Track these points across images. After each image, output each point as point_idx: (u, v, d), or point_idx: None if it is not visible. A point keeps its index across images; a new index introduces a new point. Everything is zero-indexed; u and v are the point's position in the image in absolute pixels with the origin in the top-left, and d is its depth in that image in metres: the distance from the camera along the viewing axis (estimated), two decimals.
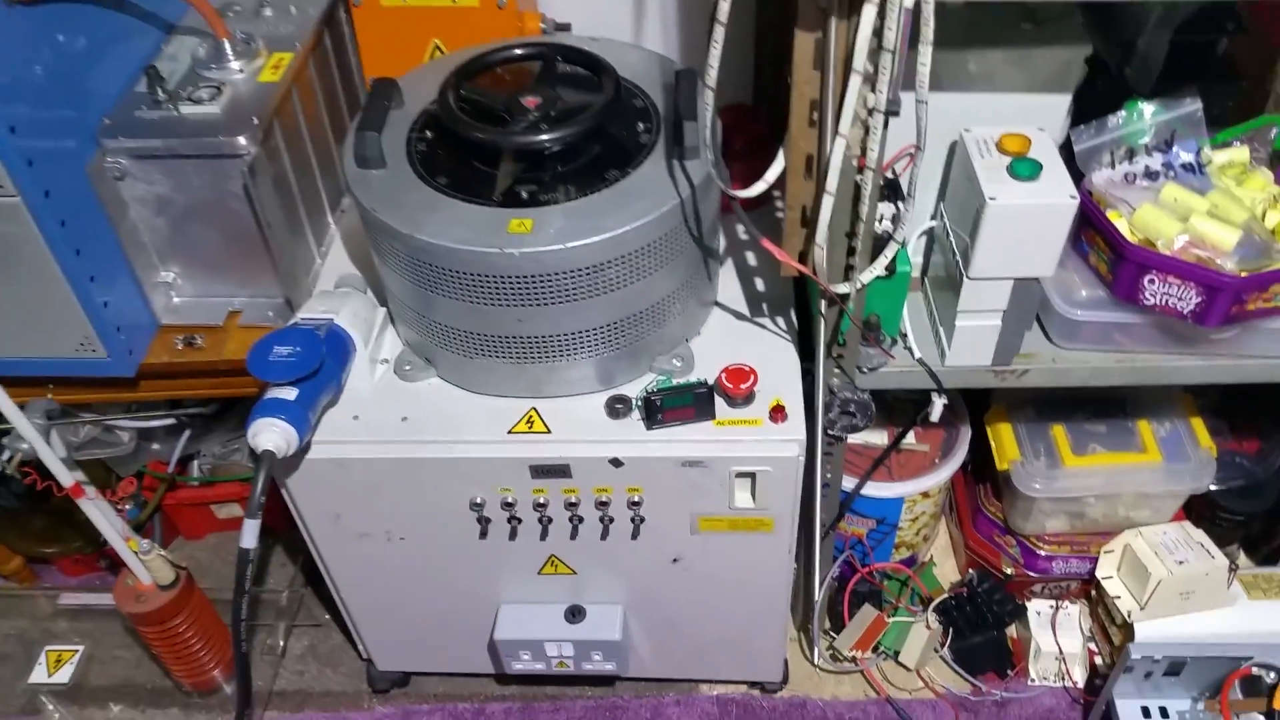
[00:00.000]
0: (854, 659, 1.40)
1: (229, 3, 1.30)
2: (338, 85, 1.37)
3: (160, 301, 1.22)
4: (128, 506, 1.52)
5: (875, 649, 1.40)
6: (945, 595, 1.42)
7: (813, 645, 1.42)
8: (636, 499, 1.10)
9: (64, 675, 1.44)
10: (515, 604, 1.26)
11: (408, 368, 1.14)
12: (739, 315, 1.19)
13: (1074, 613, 1.42)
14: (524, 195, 1.02)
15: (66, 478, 1.11)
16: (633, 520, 1.13)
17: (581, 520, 1.13)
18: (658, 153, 1.06)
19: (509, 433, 1.08)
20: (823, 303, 1.03)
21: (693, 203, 1.03)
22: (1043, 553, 1.41)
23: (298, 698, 1.45)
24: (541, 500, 1.11)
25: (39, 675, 1.46)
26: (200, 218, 1.14)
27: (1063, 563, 1.42)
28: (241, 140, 1.08)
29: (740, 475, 1.07)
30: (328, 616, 1.54)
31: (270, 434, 0.97)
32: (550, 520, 1.13)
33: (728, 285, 1.22)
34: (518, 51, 1.17)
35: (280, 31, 1.25)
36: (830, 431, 1.13)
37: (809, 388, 1.11)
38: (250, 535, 0.96)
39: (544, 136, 1.03)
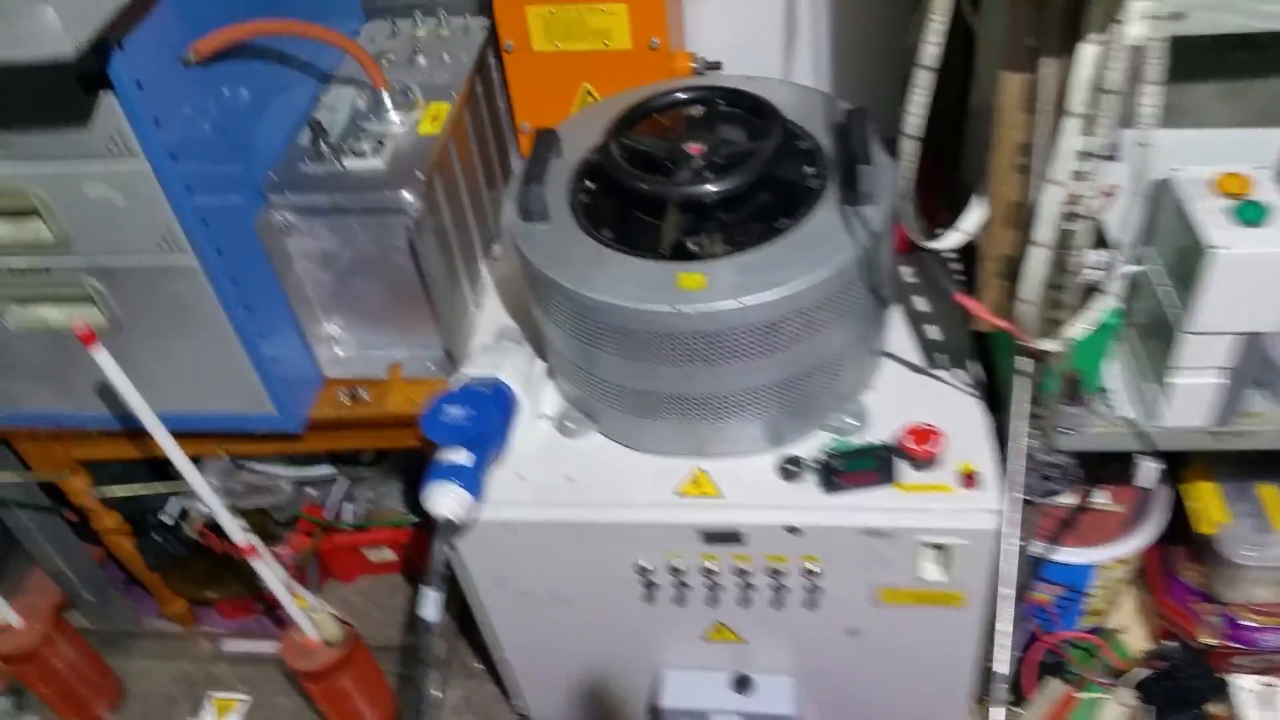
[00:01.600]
0: None
1: (382, 50, 1.30)
2: (489, 132, 1.36)
3: (325, 355, 1.22)
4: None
5: None
6: (1138, 667, 1.30)
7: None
8: (814, 568, 1.04)
9: None
10: (679, 670, 1.20)
11: (570, 425, 1.10)
12: (913, 367, 1.12)
13: None
14: (692, 248, 0.98)
15: (242, 539, 1.11)
16: (808, 589, 1.07)
17: (754, 588, 1.08)
18: (829, 199, 1.00)
19: (677, 494, 1.03)
20: (1018, 359, 0.94)
21: (871, 252, 0.96)
22: (1249, 624, 1.28)
23: None
24: (711, 567, 1.06)
25: None
26: (364, 271, 1.14)
27: (1274, 635, 1.28)
28: (406, 195, 1.07)
29: (928, 546, 1.00)
30: (480, 666, 1.51)
31: (448, 500, 0.95)
32: (720, 587, 1.08)
33: (898, 333, 1.15)
34: (680, 96, 1.13)
35: (435, 80, 1.25)
36: (1026, 498, 1.04)
37: (999, 449, 1.02)
38: (433, 608, 0.94)
39: (712, 186, 0.98)
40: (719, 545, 1.04)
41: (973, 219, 0.86)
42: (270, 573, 1.14)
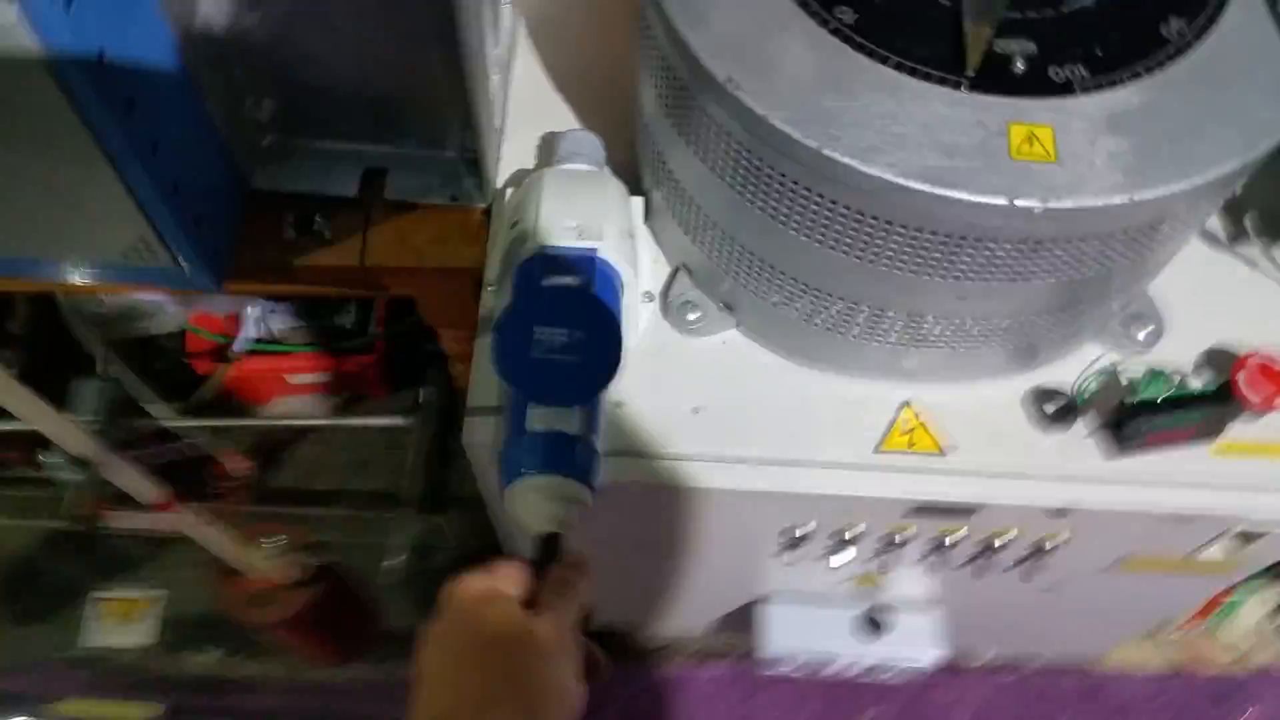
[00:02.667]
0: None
1: None
2: None
3: (253, 156, 0.72)
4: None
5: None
6: None
7: None
8: (1052, 545, 0.70)
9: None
10: (783, 603, 0.88)
11: (691, 316, 0.68)
12: (1212, 241, 0.74)
13: None
14: (1020, 68, 0.53)
15: (151, 493, 0.68)
16: (1024, 560, 0.74)
17: (947, 558, 0.74)
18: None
19: (877, 450, 0.65)
20: None
21: None
22: None
23: None
24: (900, 539, 0.71)
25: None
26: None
27: None
28: None
29: (1239, 536, 0.67)
30: None
31: (554, 507, 0.54)
32: (898, 551, 0.74)
33: None
34: None
35: None
36: None
37: None
38: None
39: None
40: (930, 519, 0.68)
41: None
42: (196, 529, 0.72)
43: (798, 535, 0.71)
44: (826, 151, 0.49)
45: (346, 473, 1.16)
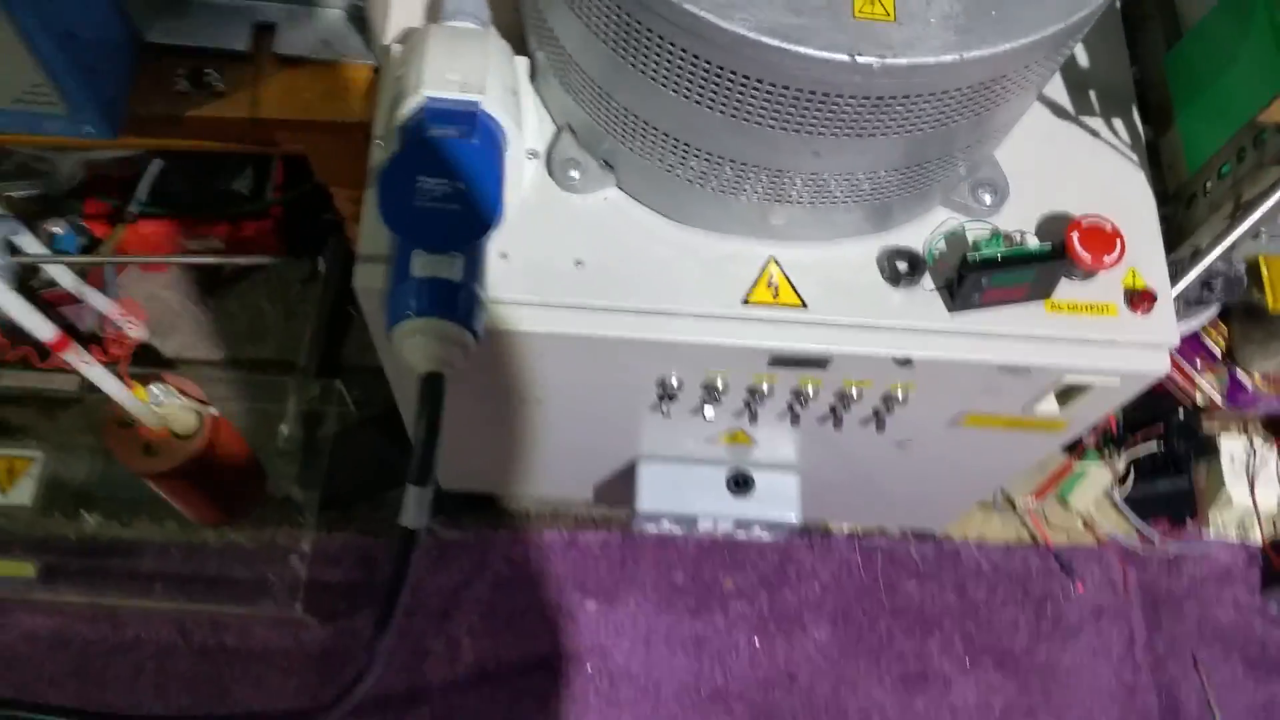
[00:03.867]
0: (1017, 505, 1.18)
1: None
2: None
3: (145, 10, 0.72)
4: (61, 232, 1.09)
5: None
6: (1137, 436, 1.18)
7: None
8: (901, 396, 0.77)
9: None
10: (657, 463, 0.95)
11: (574, 174, 0.72)
12: (1057, 110, 0.79)
13: (1270, 462, 1.22)
14: None
15: (50, 332, 0.69)
16: (878, 412, 0.81)
17: (807, 407, 0.80)
18: None
19: (743, 302, 0.71)
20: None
21: None
22: (1251, 388, 1.17)
23: None
24: (764, 388, 0.76)
25: None
26: None
27: (1269, 401, 1.19)
28: None
29: (1069, 388, 0.75)
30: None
31: (436, 348, 0.58)
32: (763, 403, 0.80)
33: None
34: None
35: None
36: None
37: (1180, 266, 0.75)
38: (416, 512, 0.59)
39: None
40: (790, 369, 0.74)
41: None
42: (89, 367, 0.74)
43: (672, 384, 0.76)
44: (688, 6, 0.53)
45: (242, 341, 1.17)
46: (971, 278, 0.69)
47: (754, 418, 0.82)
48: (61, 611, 1.06)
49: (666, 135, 0.64)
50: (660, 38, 0.56)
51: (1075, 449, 1.17)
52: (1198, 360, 1.19)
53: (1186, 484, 1.20)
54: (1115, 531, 1.22)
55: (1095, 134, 0.79)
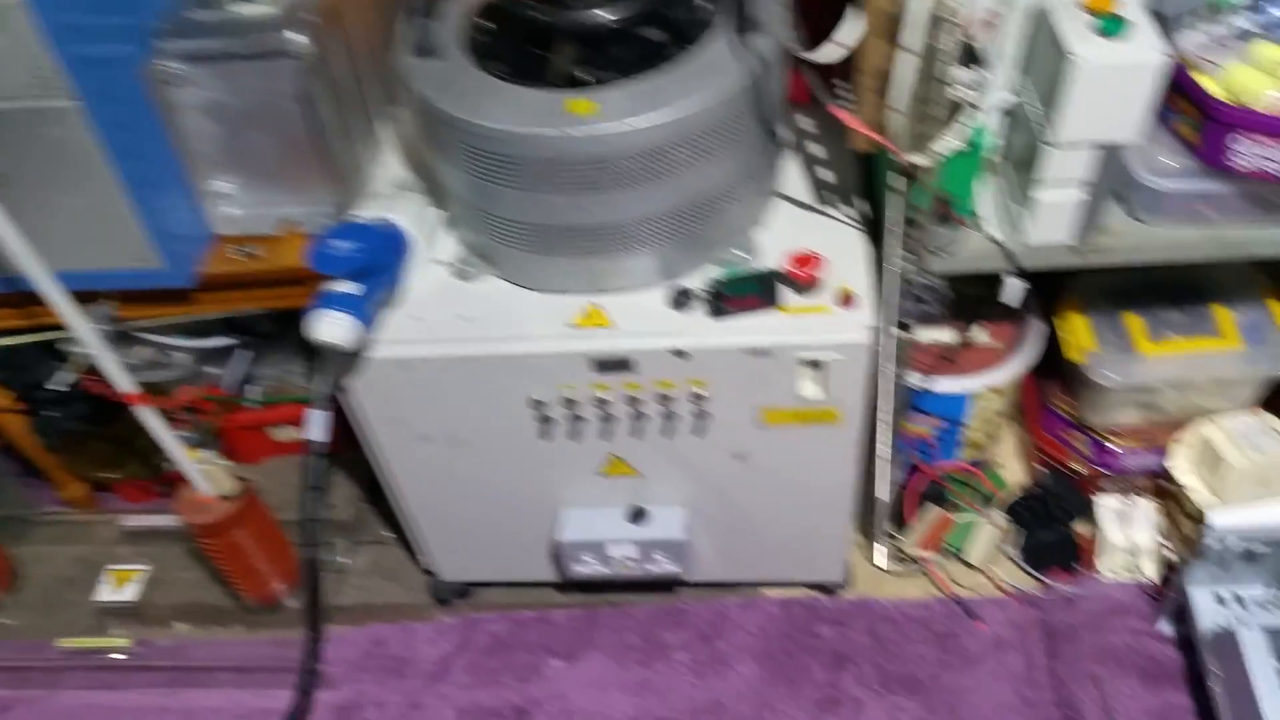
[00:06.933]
0: (918, 560, 1.38)
1: None
2: None
3: (216, 212, 1.20)
4: (186, 433, 1.53)
5: (940, 548, 1.38)
6: (1013, 495, 1.40)
7: (876, 546, 1.40)
8: (701, 392, 1.08)
9: (128, 593, 1.45)
10: (577, 507, 1.25)
11: (467, 269, 1.12)
12: (803, 205, 1.16)
13: (1145, 507, 1.39)
14: (584, 77, 0.99)
15: (125, 383, 1.10)
16: (696, 415, 1.11)
17: (645, 416, 1.12)
18: (720, 29, 1.02)
19: (570, 326, 1.06)
20: (891, 176, 0.99)
21: (760, 80, 0.99)
22: (1114, 447, 1.38)
23: (361, 611, 1.46)
24: (604, 396, 1.09)
25: (104, 593, 1.47)
26: (254, 122, 1.12)
27: (1134, 457, 1.39)
28: (295, 36, 1.05)
29: (807, 364, 1.05)
30: (392, 535, 1.53)
31: (329, 325, 0.96)
32: (613, 418, 1.12)
33: (793, 177, 1.19)
34: None
35: None
36: (901, 320, 1.10)
37: (881, 275, 1.07)
38: (318, 427, 0.95)
39: (603, 13, 1.00)
40: (610, 374, 1.07)
41: (849, 31, 0.89)
42: (156, 421, 1.14)
43: (540, 400, 1.10)
44: (478, 121, 0.95)
45: None
46: (714, 293, 1.04)
47: (609, 434, 1.13)
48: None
49: (508, 221, 1.03)
50: (471, 148, 0.98)
51: (949, 504, 1.39)
52: (1060, 431, 1.43)
53: (1068, 532, 1.38)
54: (1015, 583, 1.38)
55: (829, 215, 1.15)
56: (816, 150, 1.22)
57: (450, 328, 1.07)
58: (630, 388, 1.08)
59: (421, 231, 1.10)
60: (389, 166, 1.25)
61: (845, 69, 0.97)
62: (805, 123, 1.25)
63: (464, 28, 1.06)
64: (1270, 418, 1.30)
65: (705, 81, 0.96)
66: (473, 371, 1.08)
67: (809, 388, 1.07)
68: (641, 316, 1.06)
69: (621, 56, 1.00)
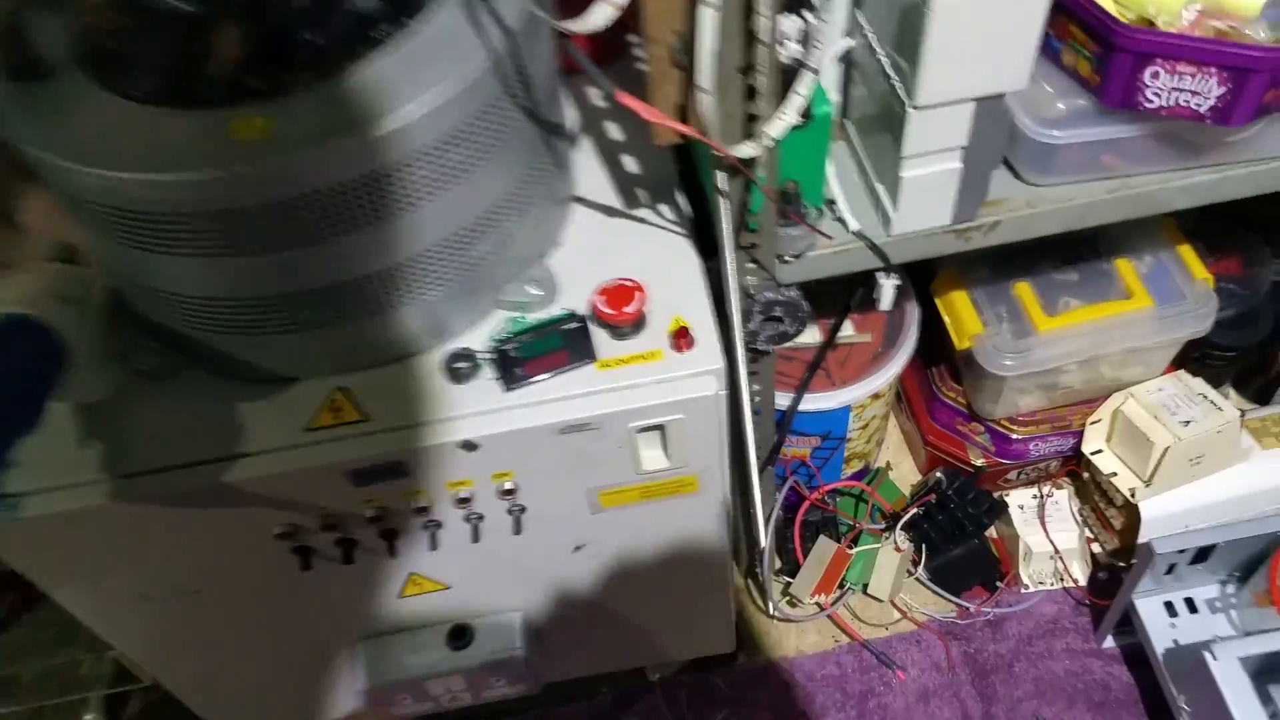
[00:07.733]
0: (817, 604, 1.15)
1: None
2: None
3: None
4: None
5: (840, 585, 1.15)
6: (910, 506, 1.17)
7: (766, 597, 1.16)
8: (508, 486, 0.80)
9: None
10: (379, 637, 0.95)
11: (146, 364, 0.80)
12: (609, 211, 0.88)
13: (1063, 501, 1.20)
14: (256, 85, 0.68)
15: None
16: (509, 512, 0.83)
17: (440, 525, 0.83)
18: None
19: (307, 430, 0.76)
20: (719, 175, 0.72)
21: (514, 58, 0.70)
22: (1017, 436, 1.17)
23: None
24: (373, 514, 0.80)
25: None
26: None
27: (1041, 443, 1.19)
28: None
29: (645, 430, 0.78)
30: None
31: None
32: (398, 532, 0.83)
33: (588, 175, 0.91)
34: None
35: None
36: (754, 347, 0.84)
37: (718, 295, 0.81)
38: None
39: None
40: (377, 484, 0.78)
41: None
42: None
43: (286, 532, 0.80)
44: (98, 171, 0.63)
45: None
46: (503, 355, 0.75)
47: (394, 551, 0.84)
48: None
49: (188, 299, 0.72)
50: (106, 208, 0.66)
51: (843, 537, 1.16)
52: (954, 423, 1.21)
53: (980, 544, 1.17)
54: (931, 610, 1.17)
55: (644, 220, 0.87)
56: (617, 137, 0.94)
57: (137, 453, 0.76)
58: (411, 495, 0.80)
59: (79, 322, 0.76)
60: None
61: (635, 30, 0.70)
62: (598, 101, 0.97)
63: (80, 30, 0.73)
64: (1192, 379, 1.11)
65: (434, 69, 0.67)
66: (180, 514, 0.77)
67: (651, 458, 0.81)
68: (407, 399, 0.77)
69: (309, 45, 0.70)
